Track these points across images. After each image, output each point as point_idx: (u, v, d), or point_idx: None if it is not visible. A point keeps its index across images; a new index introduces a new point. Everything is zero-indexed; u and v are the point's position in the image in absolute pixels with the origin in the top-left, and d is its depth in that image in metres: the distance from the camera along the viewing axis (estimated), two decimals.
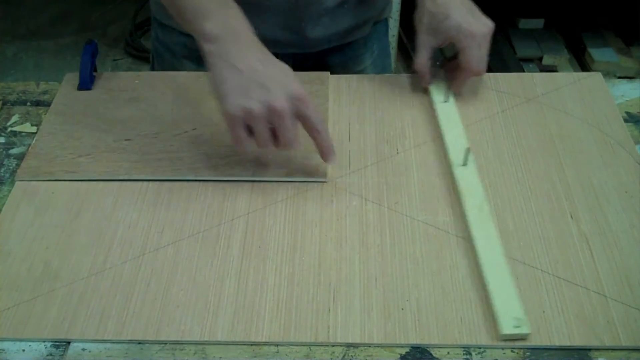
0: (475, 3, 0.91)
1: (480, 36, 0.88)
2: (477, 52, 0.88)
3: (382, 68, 1.14)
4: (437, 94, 0.92)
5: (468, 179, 0.80)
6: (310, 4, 0.96)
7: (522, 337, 0.65)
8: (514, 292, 0.68)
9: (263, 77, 0.74)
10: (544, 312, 0.67)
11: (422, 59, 0.91)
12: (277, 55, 0.78)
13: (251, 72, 0.74)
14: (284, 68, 0.76)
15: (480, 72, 0.89)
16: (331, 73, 0.96)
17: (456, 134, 0.86)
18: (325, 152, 0.79)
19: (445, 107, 0.90)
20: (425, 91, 0.94)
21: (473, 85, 0.94)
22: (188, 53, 1.04)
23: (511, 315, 0.66)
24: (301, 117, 0.75)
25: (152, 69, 1.12)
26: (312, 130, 0.77)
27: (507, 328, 0.65)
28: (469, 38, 0.87)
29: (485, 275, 0.69)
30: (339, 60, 1.05)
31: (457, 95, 0.92)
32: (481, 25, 0.89)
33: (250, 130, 0.75)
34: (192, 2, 0.78)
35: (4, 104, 0.95)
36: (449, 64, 0.94)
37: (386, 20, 1.15)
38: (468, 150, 0.81)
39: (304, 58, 1.02)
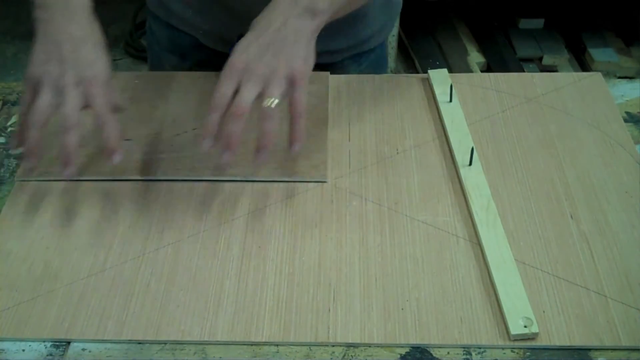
0: (476, 3, 0.91)
1: (234, 68, 0.72)
2: (220, 86, 0.73)
3: None
4: (441, 94, 0.92)
5: (474, 179, 0.80)
6: None
7: (531, 337, 0.65)
8: (523, 292, 0.68)
9: (71, 54, 0.73)
10: (544, 312, 0.67)
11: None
12: None
13: (62, 42, 0.73)
14: (97, 50, 0.75)
15: (233, 110, 0.71)
16: None
17: (461, 135, 0.86)
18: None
19: (450, 107, 0.90)
20: (426, 91, 0.94)
21: (473, 86, 0.94)
22: (172, 47, 1.04)
23: (520, 315, 0.66)
24: (88, 102, 0.74)
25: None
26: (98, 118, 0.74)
27: (516, 328, 0.65)
28: (226, 70, 0.73)
29: (493, 275, 0.69)
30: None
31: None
32: (255, 60, 0.72)
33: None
34: None
35: (4, 104, 0.95)
36: None
37: (380, 47, 1.09)
38: (473, 150, 0.81)
39: None
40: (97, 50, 0.75)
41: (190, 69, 1.04)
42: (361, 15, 0.99)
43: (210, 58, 1.02)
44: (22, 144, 0.75)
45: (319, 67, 1.02)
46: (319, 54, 0.98)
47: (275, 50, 0.73)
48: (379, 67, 1.10)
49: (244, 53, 0.73)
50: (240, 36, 0.95)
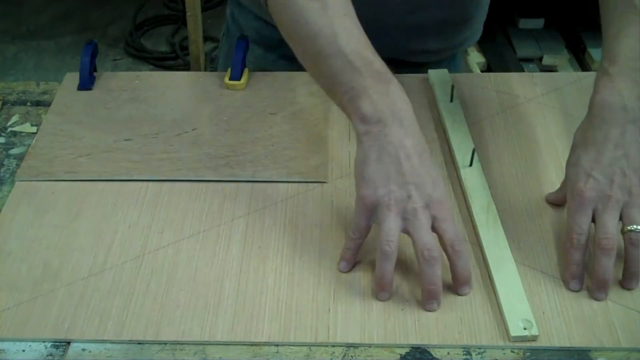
0: None
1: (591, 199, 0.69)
2: (574, 220, 0.69)
3: None
4: (441, 94, 0.92)
5: (474, 180, 0.80)
6: (389, 16, 0.93)
7: (531, 339, 0.65)
8: (523, 294, 0.68)
9: (414, 172, 0.67)
10: (543, 313, 0.67)
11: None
12: None
13: (404, 163, 0.67)
14: (435, 166, 0.70)
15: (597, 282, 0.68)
16: None
17: (462, 135, 0.86)
18: (460, 280, 0.68)
19: (450, 107, 0.90)
20: (426, 91, 0.94)
21: (473, 86, 0.94)
22: (259, 38, 1.03)
23: (520, 317, 0.66)
24: (437, 228, 0.67)
25: (220, 47, 1.10)
26: (449, 247, 0.67)
27: (516, 330, 0.65)
28: (576, 199, 0.69)
29: (493, 276, 0.69)
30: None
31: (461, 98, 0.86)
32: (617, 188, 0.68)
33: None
34: (344, 75, 0.70)
35: (4, 104, 0.95)
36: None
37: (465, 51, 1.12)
38: (474, 151, 0.81)
39: None
40: (435, 166, 0.70)
41: (274, 62, 1.03)
42: (467, 19, 1.00)
43: None
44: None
45: (415, 65, 1.01)
46: (417, 52, 0.96)
47: (623, 168, 0.68)
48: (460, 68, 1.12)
49: (589, 178, 0.69)
50: None
